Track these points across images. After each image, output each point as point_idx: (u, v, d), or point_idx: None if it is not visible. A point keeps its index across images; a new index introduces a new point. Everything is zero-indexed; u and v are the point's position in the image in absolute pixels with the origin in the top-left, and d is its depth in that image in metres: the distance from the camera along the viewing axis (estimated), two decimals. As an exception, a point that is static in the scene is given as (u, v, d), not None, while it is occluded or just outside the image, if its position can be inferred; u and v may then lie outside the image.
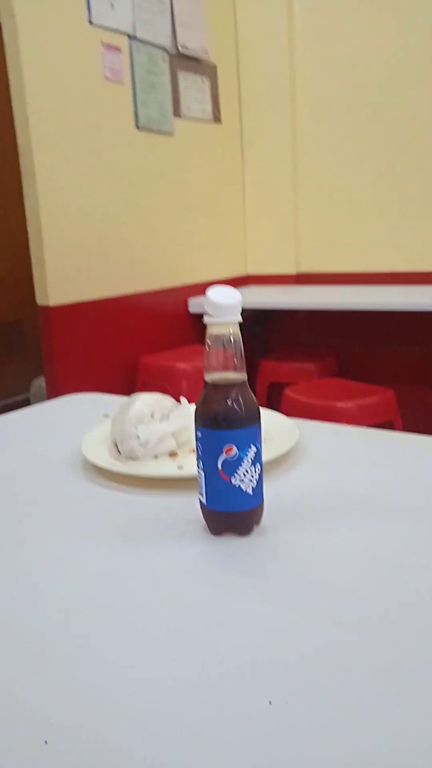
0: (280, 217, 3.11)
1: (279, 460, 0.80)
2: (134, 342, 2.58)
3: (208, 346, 0.60)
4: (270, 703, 0.41)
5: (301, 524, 0.65)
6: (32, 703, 0.42)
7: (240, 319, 0.59)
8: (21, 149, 2.15)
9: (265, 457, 0.75)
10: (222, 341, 0.60)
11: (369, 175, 2.90)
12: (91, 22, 2.28)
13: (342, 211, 3.00)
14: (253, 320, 3.01)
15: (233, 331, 0.60)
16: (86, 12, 2.26)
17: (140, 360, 2.50)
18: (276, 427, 0.87)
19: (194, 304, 2.82)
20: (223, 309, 0.59)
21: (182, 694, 0.42)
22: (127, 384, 2.50)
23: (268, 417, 0.91)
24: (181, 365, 2.36)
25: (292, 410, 1.97)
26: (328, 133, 2.96)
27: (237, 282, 3.14)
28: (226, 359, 0.60)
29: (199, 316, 2.85)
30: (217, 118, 2.94)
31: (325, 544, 0.61)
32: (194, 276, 2.87)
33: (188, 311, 2.84)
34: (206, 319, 0.60)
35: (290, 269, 3.14)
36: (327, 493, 0.72)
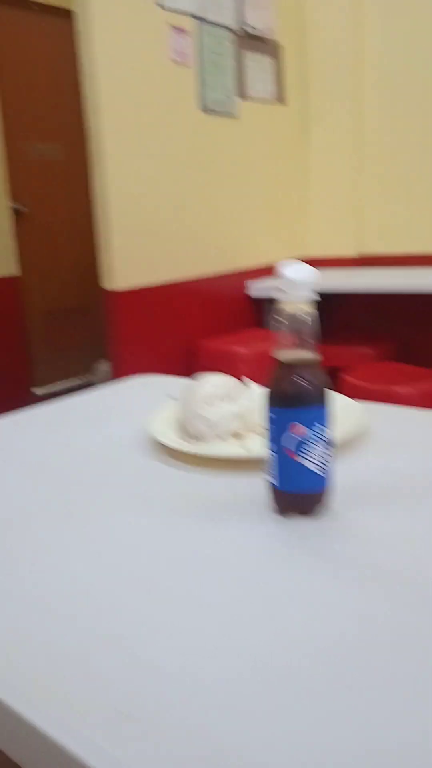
0: (344, 198, 3.05)
1: (344, 442, 0.79)
2: (194, 326, 2.59)
3: (282, 324, 0.59)
4: (349, 687, 0.40)
5: (368, 506, 0.64)
6: (109, 672, 0.43)
7: (315, 296, 0.58)
8: (92, 134, 2.17)
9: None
10: (296, 319, 0.59)
11: (437, 156, 2.80)
12: (160, 5, 2.28)
13: (405, 191, 2.92)
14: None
15: (308, 308, 0.59)
16: (154, -6, 2.26)
17: (200, 344, 2.51)
18: (341, 409, 0.85)
19: (254, 288, 2.81)
20: (298, 286, 0.58)
21: (250, 670, 0.42)
22: (186, 368, 2.52)
23: (333, 399, 0.89)
24: (240, 350, 2.36)
25: (350, 395, 1.92)
26: (395, 113, 2.87)
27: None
28: (300, 338, 0.59)
29: (258, 300, 2.83)
30: (281, 99, 2.90)
31: (392, 526, 0.59)
32: (253, 259, 2.85)
33: (247, 295, 2.83)
34: (280, 296, 0.59)
35: (351, 251, 3.08)
36: (393, 475, 0.71)
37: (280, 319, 0.59)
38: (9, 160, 3.25)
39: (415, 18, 2.74)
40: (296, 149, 3.06)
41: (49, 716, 0.39)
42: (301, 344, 0.59)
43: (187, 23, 2.39)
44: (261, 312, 2.87)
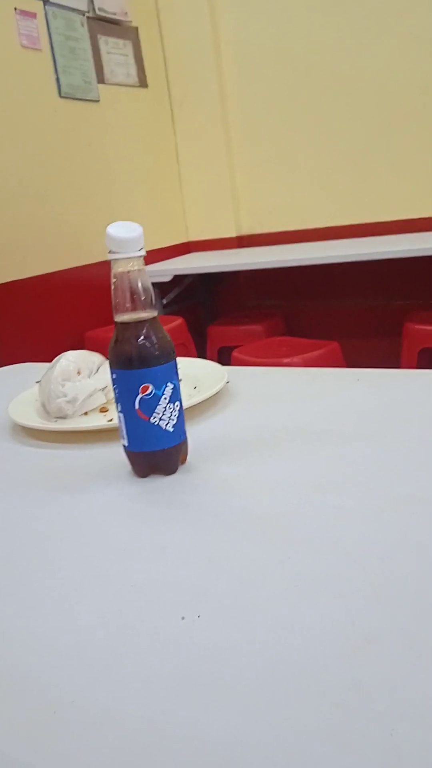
0: (217, 180, 3.08)
1: (209, 403, 0.80)
2: (79, 316, 2.54)
3: (115, 284, 0.59)
4: (183, 618, 0.41)
5: (226, 459, 0.65)
6: None
7: (144, 253, 0.58)
8: None
9: (193, 401, 0.75)
10: (128, 278, 0.58)
11: (301, 132, 2.88)
12: (0, -13, 2.19)
13: (277, 170, 2.99)
14: (199, 286, 2.99)
15: (138, 266, 0.58)
16: (-6, -24, 2.17)
17: (85, 334, 2.46)
18: (206, 373, 0.86)
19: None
20: (126, 243, 0.57)
21: (104, 620, 0.42)
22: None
23: (199, 365, 0.91)
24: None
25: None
26: (258, 90, 2.92)
27: (179, 249, 3.11)
28: (134, 297, 0.59)
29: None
30: (143, 82, 2.87)
31: (249, 475, 0.61)
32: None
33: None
34: (110, 256, 0.58)
35: (231, 233, 3.12)
36: (254, 428, 0.73)
37: (114, 278, 0.59)
38: None
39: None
40: (165, 133, 3.05)
41: None
42: (137, 303, 0.59)
43: (35, 6, 2.31)
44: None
